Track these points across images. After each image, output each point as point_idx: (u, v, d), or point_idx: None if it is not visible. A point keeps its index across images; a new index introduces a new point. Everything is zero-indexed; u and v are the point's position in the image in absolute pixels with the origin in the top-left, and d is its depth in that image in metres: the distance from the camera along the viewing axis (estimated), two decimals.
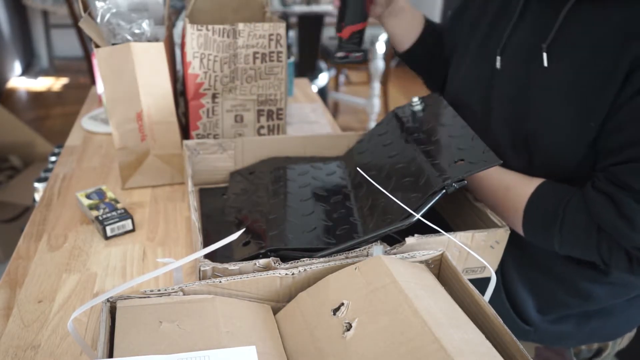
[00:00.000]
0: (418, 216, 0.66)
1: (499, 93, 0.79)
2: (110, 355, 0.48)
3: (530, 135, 0.74)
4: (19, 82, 3.94)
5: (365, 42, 0.96)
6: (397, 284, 0.53)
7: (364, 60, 1.01)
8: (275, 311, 0.61)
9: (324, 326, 0.54)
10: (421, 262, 0.63)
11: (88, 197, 0.87)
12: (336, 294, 0.56)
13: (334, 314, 0.54)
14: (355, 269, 0.58)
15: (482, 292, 0.56)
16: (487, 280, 0.60)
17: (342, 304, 0.54)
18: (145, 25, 0.89)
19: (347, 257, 0.64)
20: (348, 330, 0.51)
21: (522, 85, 0.75)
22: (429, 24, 1.00)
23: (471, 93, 0.84)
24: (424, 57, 1.02)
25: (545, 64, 0.71)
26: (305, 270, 0.60)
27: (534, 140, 0.74)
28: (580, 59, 0.68)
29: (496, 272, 0.78)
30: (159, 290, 0.55)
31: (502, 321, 0.51)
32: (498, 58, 0.79)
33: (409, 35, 0.99)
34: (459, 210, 0.83)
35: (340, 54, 0.94)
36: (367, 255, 0.65)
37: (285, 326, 0.58)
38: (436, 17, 4.36)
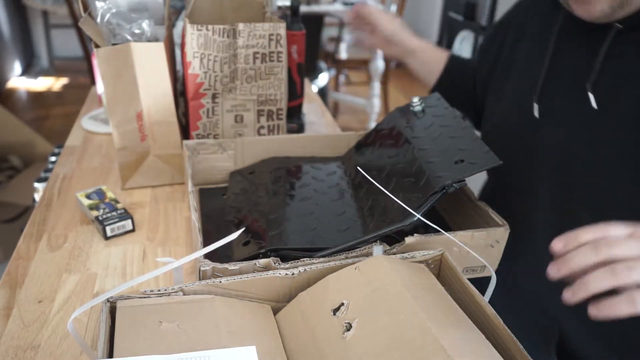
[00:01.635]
0: (418, 216, 0.66)
1: (540, 144, 0.73)
2: (110, 355, 0.48)
3: (582, 194, 0.67)
4: (19, 82, 3.94)
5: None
6: (397, 284, 0.53)
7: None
8: (275, 311, 0.61)
9: (324, 326, 0.54)
10: (421, 262, 0.63)
11: (88, 197, 0.87)
12: (336, 294, 0.56)
13: (334, 314, 0.54)
14: (356, 269, 0.58)
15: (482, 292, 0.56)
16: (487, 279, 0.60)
17: (342, 304, 0.54)
18: (145, 25, 0.89)
19: (347, 257, 0.64)
20: (348, 330, 0.51)
21: (568, 133, 0.68)
22: (453, 61, 0.97)
23: (508, 143, 0.77)
24: (451, 93, 0.95)
25: (594, 105, 0.65)
26: (305, 270, 0.60)
27: (588, 200, 0.66)
28: (636, 98, 0.62)
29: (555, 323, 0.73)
30: (159, 290, 0.55)
31: (502, 321, 0.51)
32: (536, 106, 0.73)
33: (430, 73, 1.00)
34: (459, 210, 0.83)
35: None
36: (368, 255, 0.65)
37: (285, 326, 0.58)
38: (436, 16, 4.36)
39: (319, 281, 0.59)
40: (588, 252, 0.44)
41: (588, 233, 0.46)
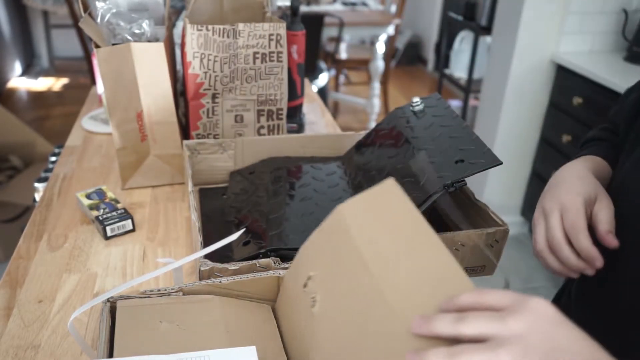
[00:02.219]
0: (419, 213, 0.66)
1: None
2: (111, 355, 0.48)
3: None
4: (20, 82, 3.94)
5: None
6: (354, 247, 0.48)
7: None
8: (275, 311, 0.61)
9: (299, 303, 0.53)
10: None
11: (88, 197, 0.87)
12: (306, 266, 0.54)
13: (304, 289, 0.52)
14: (320, 231, 0.53)
15: None
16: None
17: (309, 276, 0.52)
18: (145, 25, 0.89)
19: None
20: (314, 305, 0.50)
21: None
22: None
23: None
24: None
25: None
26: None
27: None
28: None
29: None
30: (159, 290, 0.56)
31: None
32: None
33: None
34: (459, 210, 0.83)
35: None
36: None
37: (279, 315, 0.58)
38: (436, 16, 4.36)
39: (294, 258, 0.56)
40: (445, 322, 0.38)
41: (465, 297, 0.40)
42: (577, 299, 0.73)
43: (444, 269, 0.43)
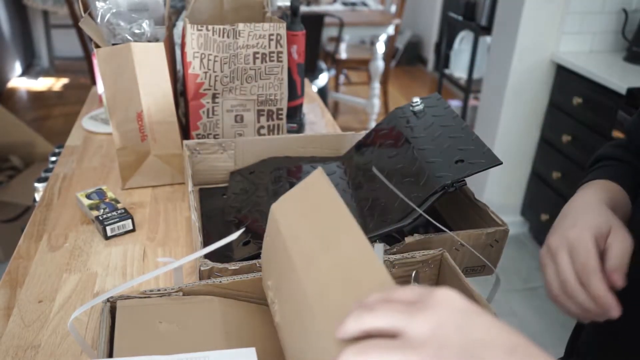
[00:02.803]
0: (421, 212, 0.66)
1: None
2: (111, 355, 0.48)
3: None
4: (20, 82, 3.94)
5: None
6: (285, 246, 0.47)
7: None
8: None
9: (271, 313, 0.53)
10: (421, 261, 0.63)
11: (88, 197, 0.87)
12: (266, 274, 0.53)
13: (268, 298, 0.52)
14: (267, 237, 0.53)
15: None
16: None
17: (268, 285, 0.52)
18: (145, 25, 0.89)
19: None
20: (275, 315, 0.50)
21: None
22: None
23: None
24: None
25: None
26: None
27: None
28: None
29: None
30: (159, 290, 0.56)
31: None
32: None
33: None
34: (459, 210, 0.83)
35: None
36: None
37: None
38: (436, 16, 4.36)
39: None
40: (351, 318, 0.36)
41: (374, 296, 0.38)
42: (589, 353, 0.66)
43: (362, 263, 0.41)
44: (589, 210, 0.57)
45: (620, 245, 0.52)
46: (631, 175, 0.65)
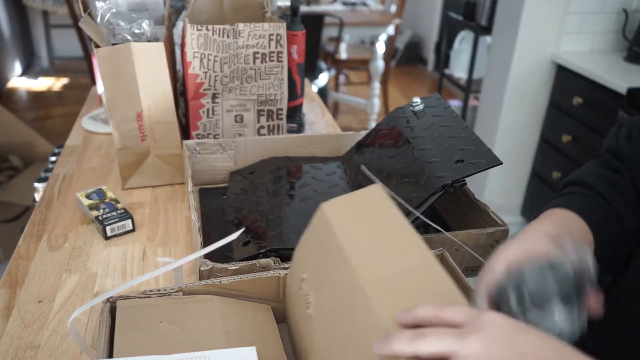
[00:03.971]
0: (418, 214, 0.66)
1: None
2: (111, 355, 0.48)
3: None
4: (20, 82, 3.94)
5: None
6: (337, 244, 0.48)
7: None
8: (275, 311, 0.61)
9: (297, 305, 0.53)
10: None
11: (88, 197, 0.87)
12: (299, 268, 0.54)
13: (300, 291, 0.53)
14: (310, 231, 0.54)
15: None
16: None
17: (302, 279, 0.52)
18: (145, 25, 0.89)
19: None
20: (309, 307, 0.50)
21: None
22: (601, 229, 0.61)
23: None
24: (608, 266, 0.63)
25: None
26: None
27: None
28: None
29: None
30: (159, 290, 0.56)
31: None
32: None
33: None
34: (459, 210, 0.83)
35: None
36: None
37: (287, 316, 0.58)
38: (436, 16, 4.36)
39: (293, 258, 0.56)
40: (403, 341, 0.38)
41: (423, 310, 0.40)
42: None
43: (426, 270, 0.43)
44: (529, 242, 0.52)
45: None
46: (597, 208, 0.61)
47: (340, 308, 0.45)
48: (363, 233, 0.48)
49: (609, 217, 0.61)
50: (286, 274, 0.60)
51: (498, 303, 0.48)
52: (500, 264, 0.49)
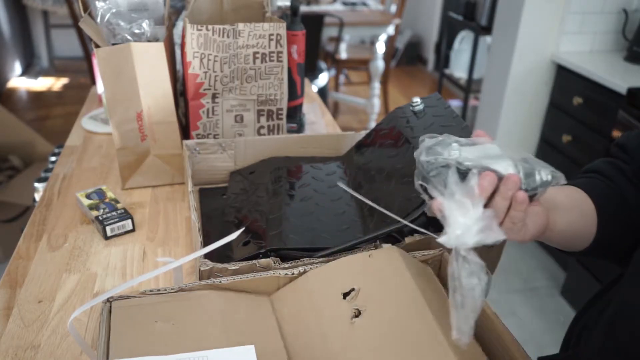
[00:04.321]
0: (418, 214, 0.66)
1: None
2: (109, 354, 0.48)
3: None
4: (19, 82, 3.94)
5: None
6: (408, 278, 0.54)
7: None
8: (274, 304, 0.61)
9: (332, 308, 0.54)
10: (421, 261, 0.63)
11: (88, 197, 0.87)
12: (347, 278, 0.56)
13: (344, 298, 0.54)
14: (370, 256, 0.58)
15: None
16: None
17: (353, 289, 0.55)
18: (145, 25, 0.89)
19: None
20: (357, 316, 0.52)
21: None
22: (607, 211, 0.61)
23: None
24: (614, 248, 0.64)
25: None
26: (305, 270, 0.60)
27: None
28: None
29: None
30: (159, 290, 0.55)
31: (501, 320, 0.51)
32: None
33: (578, 239, 0.63)
34: None
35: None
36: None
37: (288, 303, 0.58)
38: (436, 16, 4.36)
39: (331, 262, 0.60)
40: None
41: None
42: None
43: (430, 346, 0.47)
44: None
45: None
46: (609, 193, 0.62)
47: (400, 338, 0.49)
48: (428, 285, 0.55)
49: (613, 194, 0.62)
50: (286, 274, 0.60)
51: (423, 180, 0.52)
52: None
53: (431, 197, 0.50)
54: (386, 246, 0.61)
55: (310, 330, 0.54)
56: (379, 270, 0.56)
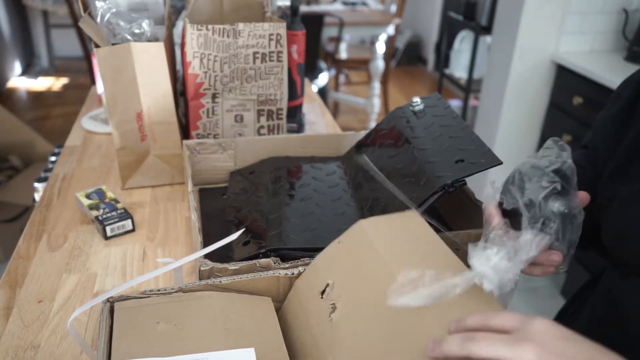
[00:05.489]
0: (418, 213, 0.66)
1: None
2: (110, 356, 0.48)
3: None
4: (19, 82, 3.94)
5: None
6: (379, 255, 0.51)
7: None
8: (276, 310, 0.61)
9: (315, 310, 0.54)
10: None
11: (88, 197, 0.87)
12: (323, 275, 0.55)
13: (322, 297, 0.53)
14: (339, 242, 0.56)
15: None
16: None
17: (327, 284, 0.53)
18: (145, 25, 0.89)
19: None
20: (333, 311, 0.51)
21: None
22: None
23: None
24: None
25: None
26: (305, 270, 0.60)
27: None
28: None
29: None
30: (159, 290, 0.55)
31: None
32: None
33: None
34: (459, 210, 0.83)
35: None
36: None
37: (288, 318, 0.58)
38: (436, 16, 4.36)
39: (309, 264, 0.59)
40: (454, 342, 0.40)
41: (472, 319, 0.41)
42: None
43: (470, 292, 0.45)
44: None
45: None
46: (585, 180, 0.64)
47: (382, 317, 0.46)
48: (404, 251, 0.51)
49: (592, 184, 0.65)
50: (286, 274, 0.60)
51: (505, 210, 0.53)
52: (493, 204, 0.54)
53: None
54: (353, 226, 0.56)
55: (303, 333, 0.54)
56: (349, 254, 0.54)
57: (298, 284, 0.59)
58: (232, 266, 0.62)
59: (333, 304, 0.51)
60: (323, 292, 0.53)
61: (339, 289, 0.52)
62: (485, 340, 0.38)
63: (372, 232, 0.54)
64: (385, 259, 0.50)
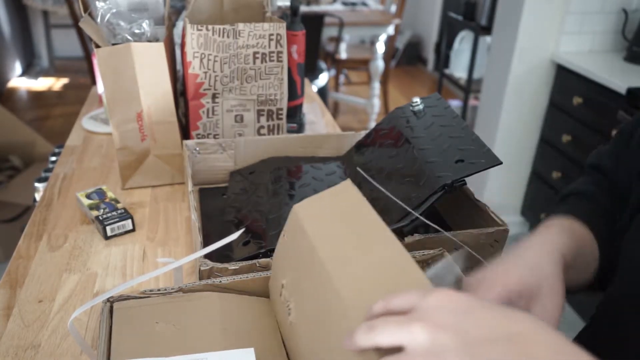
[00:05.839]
0: (417, 215, 0.66)
1: None
2: (110, 356, 0.48)
3: None
4: (20, 82, 3.94)
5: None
6: (312, 247, 0.47)
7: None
8: None
9: (280, 313, 0.53)
10: (421, 261, 0.63)
11: (88, 197, 0.87)
12: (278, 274, 0.54)
13: (280, 297, 0.53)
14: (284, 235, 0.54)
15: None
16: None
17: (282, 284, 0.53)
18: (145, 25, 0.89)
19: None
20: (289, 314, 0.50)
21: None
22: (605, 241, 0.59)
23: None
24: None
25: None
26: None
27: None
28: None
29: None
30: (159, 290, 0.56)
31: None
32: None
33: (582, 278, 0.60)
34: (459, 210, 0.83)
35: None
36: None
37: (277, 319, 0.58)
38: (436, 16, 4.36)
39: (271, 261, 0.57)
40: (360, 334, 0.37)
41: (377, 305, 0.38)
42: None
43: (398, 264, 0.42)
44: (527, 264, 0.50)
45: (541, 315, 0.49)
46: (603, 219, 0.60)
47: (319, 313, 0.45)
48: (335, 233, 0.47)
49: (605, 217, 0.61)
50: None
51: None
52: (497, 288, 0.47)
53: None
54: (290, 214, 0.53)
55: (285, 337, 0.54)
56: (292, 247, 0.51)
57: (270, 286, 0.58)
58: (232, 266, 0.62)
59: (288, 305, 0.50)
60: (280, 294, 0.52)
61: (290, 288, 0.51)
62: (381, 327, 0.36)
63: (305, 218, 0.50)
64: (319, 251, 0.46)
